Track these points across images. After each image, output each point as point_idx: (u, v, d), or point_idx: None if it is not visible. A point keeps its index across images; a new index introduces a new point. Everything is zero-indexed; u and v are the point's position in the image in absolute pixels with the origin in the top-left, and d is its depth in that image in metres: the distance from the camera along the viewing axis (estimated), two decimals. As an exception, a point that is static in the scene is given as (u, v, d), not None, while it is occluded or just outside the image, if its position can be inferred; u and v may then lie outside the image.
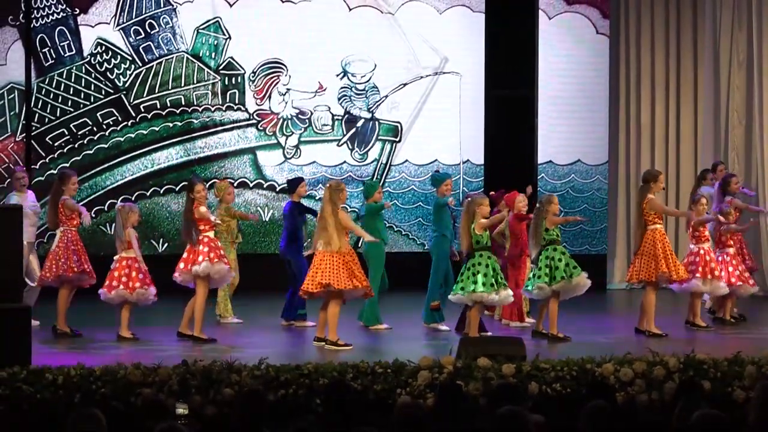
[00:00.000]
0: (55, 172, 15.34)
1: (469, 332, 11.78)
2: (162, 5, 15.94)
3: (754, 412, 6.16)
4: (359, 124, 16.54)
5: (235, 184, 15.52)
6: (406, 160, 16.66)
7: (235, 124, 16.22)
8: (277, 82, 16.29)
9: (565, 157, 16.89)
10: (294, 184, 13.53)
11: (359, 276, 11.58)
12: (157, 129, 15.96)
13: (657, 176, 12.63)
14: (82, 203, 13.60)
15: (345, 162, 16.53)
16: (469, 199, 12.13)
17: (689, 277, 12.50)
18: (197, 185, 12.07)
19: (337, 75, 16.41)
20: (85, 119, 15.75)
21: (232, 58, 16.12)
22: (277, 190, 16.24)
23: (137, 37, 15.88)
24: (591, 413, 5.89)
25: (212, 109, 16.09)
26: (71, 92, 15.69)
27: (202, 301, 11.83)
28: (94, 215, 14.93)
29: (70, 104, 15.69)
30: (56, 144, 15.63)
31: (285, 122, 16.35)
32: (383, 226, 13.38)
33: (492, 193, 13.48)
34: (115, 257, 12.12)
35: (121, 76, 15.84)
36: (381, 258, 12.98)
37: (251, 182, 16.29)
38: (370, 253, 12.95)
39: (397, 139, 16.58)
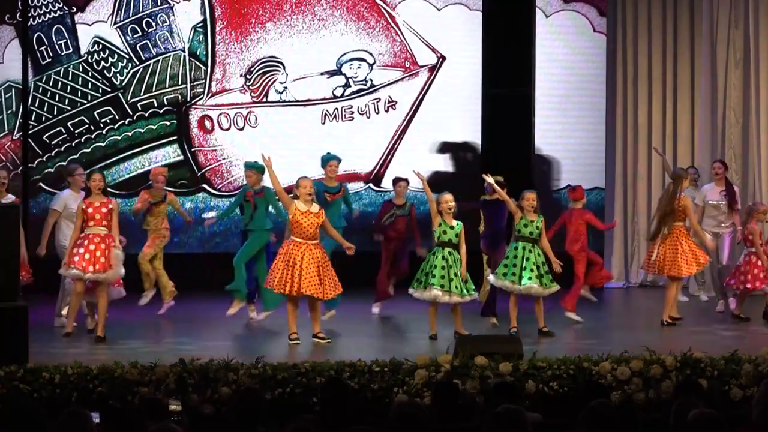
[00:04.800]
0: (52, 170, 15.37)
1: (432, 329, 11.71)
2: (159, 3, 15.92)
3: (758, 409, 6.16)
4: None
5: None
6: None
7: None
8: (274, 80, 16.29)
9: (562, 156, 16.87)
10: None
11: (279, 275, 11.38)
12: (154, 127, 15.95)
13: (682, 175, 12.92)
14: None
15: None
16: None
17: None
18: (93, 174, 11.87)
19: (333, 73, 16.39)
20: (83, 117, 15.73)
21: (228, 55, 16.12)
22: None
23: (134, 36, 15.86)
24: (589, 413, 5.89)
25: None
26: (68, 90, 15.66)
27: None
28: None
29: (67, 103, 15.67)
30: (53, 142, 15.61)
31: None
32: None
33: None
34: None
35: (118, 75, 15.82)
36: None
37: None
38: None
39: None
